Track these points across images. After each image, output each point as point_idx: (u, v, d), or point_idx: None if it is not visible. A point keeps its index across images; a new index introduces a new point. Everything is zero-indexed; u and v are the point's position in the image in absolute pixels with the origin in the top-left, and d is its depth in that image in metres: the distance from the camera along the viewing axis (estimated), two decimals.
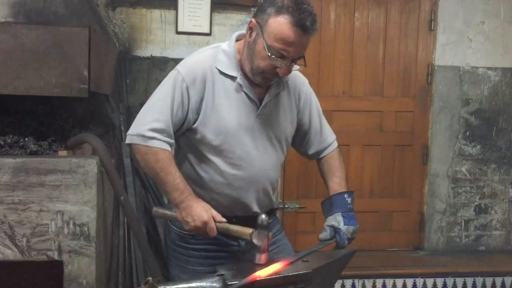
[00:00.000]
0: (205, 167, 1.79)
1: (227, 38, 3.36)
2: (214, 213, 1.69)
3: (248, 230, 1.64)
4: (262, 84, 1.76)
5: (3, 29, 2.30)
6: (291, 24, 1.61)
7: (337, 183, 1.92)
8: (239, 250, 1.88)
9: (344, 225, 1.81)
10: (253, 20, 1.71)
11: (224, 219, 1.69)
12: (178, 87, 1.72)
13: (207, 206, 1.71)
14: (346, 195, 1.86)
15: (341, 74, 3.73)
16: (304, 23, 1.61)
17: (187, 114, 1.74)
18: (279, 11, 1.63)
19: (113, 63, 3.03)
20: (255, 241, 1.62)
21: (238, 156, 1.77)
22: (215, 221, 1.67)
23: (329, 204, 1.88)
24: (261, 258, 1.62)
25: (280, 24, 1.62)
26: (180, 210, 1.71)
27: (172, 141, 1.75)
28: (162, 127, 1.70)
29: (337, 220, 1.82)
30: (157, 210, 1.85)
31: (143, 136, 1.70)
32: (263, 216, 1.64)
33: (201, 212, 1.67)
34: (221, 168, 1.77)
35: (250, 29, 1.72)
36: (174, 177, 1.71)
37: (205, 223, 1.66)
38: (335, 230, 1.81)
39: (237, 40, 1.83)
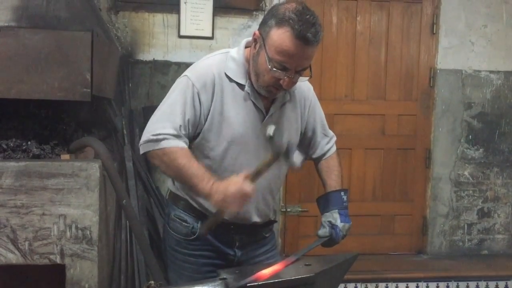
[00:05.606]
0: None
1: (230, 41, 3.46)
2: (241, 175, 1.58)
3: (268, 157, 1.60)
4: (268, 96, 1.76)
5: (6, 33, 2.30)
6: (291, 36, 1.58)
7: (334, 180, 1.95)
8: (235, 259, 1.88)
9: (341, 222, 1.84)
10: (257, 32, 1.69)
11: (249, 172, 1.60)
12: (189, 92, 1.70)
13: (232, 177, 1.60)
14: (342, 193, 1.89)
15: (343, 78, 3.73)
16: (305, 35, 1.58)
17: (199, 119, 1.72)
18: (280, 23, 1.60)
19: (115, 67, 3.04)
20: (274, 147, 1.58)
21: (239, 163, 1.75)
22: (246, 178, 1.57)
23: (325, 201, 1.90)
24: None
25: (280, 36, 1.60)
26: (214, 198, 1.58)
27: (186, 140, 1.70)
28: (173, 132, 1.67)
29: (334, 217, 1.85)
30: (202, 227, 1.76)
31: (154, 140, 1.67)
32: (269, 128, 1.60)
33: (230, 183, 1.56)
34: (219, 176, 1.73)
35: (255, 41, 1.70)
36: (197, 170, 1.62)
37: (241, 190, 1.54)
38: (332, 226, 1.84)
39: (246, 47, 1.80)
